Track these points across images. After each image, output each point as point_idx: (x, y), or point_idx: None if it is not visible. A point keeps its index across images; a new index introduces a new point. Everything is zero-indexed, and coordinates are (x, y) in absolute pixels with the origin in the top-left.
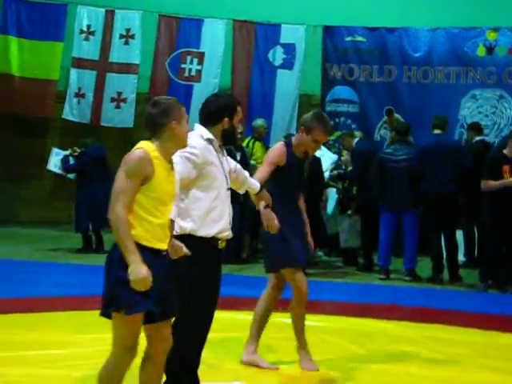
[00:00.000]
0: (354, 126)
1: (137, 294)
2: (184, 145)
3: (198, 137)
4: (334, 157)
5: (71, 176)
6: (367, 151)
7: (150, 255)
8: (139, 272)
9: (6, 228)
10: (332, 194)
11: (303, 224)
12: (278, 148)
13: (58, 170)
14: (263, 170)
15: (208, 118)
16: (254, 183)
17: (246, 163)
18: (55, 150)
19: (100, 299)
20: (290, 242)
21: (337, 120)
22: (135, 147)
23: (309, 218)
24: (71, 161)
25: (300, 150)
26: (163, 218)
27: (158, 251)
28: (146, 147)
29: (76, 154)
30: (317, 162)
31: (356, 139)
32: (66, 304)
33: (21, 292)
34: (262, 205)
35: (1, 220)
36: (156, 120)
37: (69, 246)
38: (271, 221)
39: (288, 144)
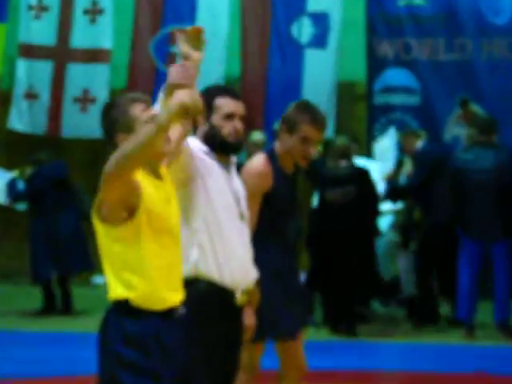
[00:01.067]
0: (414, 124)
1: (145, 376)
2: (155, 151)
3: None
4: (387, 166)
5: (21, 206)
6: (435, 157)
7: (158, 322)
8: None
9: None
10: (385, 221)
11: (296, 274)
12: (257, 167)
13: (1, 200)
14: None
15: None
16: None
17: None
18: None
19: (73, 382)
20: (278, 304)
21: (390, 116)
22: None
23: (358, 257)
24: (20, 185)
25: (288, 162)
26: (169, 255)
27: (168, 312)
28: None
29: (27, 176)
30: (364, 176)
31: (420, 141)
32: None
33: None
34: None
35: None
36: (105, 131)
37: (23, 307)
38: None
39: (271, 156)
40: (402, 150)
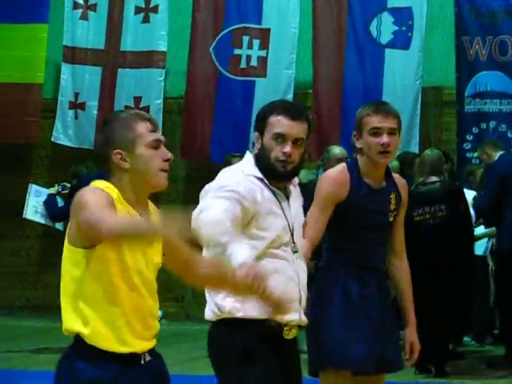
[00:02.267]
0: (511, 134)
1: None
2: (154, 182)
3: (237, 173)
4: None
5: (60, 225)
6: (502, 173)
7: (114, 367)
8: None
9: None
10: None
11: (375, 303)
12: (333, 173)
13: (39, 219)
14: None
15: None
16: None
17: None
18: (34, 188)
19: None
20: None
21: (483, 125)
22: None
23: (452, 286)
24: (60, 202)
25: (373, 174)
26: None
27: (130, 357)
28: (99, 184)
29: (66, 191)
30: (457, 194)
31: (500, 153)
32: None
33: None
34: None
35: None
36: (100, 144)
37: (60, 345)
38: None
39: (352, 166)
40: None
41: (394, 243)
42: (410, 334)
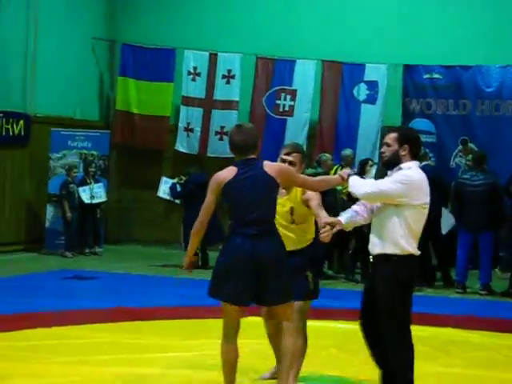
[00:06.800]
0: (431, 155)
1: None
2: None
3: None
4: None
5: (178, 201)
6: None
7: None
8: None
9: (122, 246)
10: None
11: None
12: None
13: (167, 197)
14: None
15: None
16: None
17: None
18: (164, 179)
19: (199, 309)
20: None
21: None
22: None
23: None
24: (178, 188)
25: None
26: None
27: None
28: None
29: (182, 181)
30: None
31: (424, 162)
32: (176, 313)
33: (139, 303)
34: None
35: (118, 240)
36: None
37: (177, 263)
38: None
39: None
40: None
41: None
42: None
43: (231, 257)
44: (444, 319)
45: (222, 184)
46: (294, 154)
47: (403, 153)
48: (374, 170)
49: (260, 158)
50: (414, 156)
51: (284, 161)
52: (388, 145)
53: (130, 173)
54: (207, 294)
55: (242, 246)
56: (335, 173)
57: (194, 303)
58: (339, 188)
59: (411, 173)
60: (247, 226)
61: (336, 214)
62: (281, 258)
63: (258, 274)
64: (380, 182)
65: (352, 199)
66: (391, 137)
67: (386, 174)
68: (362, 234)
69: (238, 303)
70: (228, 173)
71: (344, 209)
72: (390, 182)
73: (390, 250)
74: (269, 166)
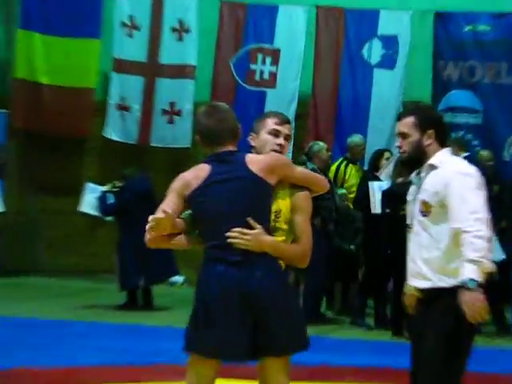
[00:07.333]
0: (475, 143)
1: None
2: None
3: None
4: None
5: (109, 218)
6: None
7: None
8: None
9: (26, 278)
10: None
11: None
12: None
13: (94, 212)
14: None
15: None
16: None
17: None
18: (90, 186)
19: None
20: None
21: (453, 134)
22: None
23: None
24: (110, 199)
25: None
26: None
27: None
28: None
29: (116, 189)
30: None
31: (464, 154)
32: (111, 375)
33: (52, 360)
34: None
35: (20, 269)
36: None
37: (108, 302)
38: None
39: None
40: None
41: None
42: None
43: (212, 291)
44: (500, 381)
45: (189, 188)
46: (288, 126)
47: (428, 142)
48: (391, 166)
49: (240, 151)
50: (442, 144)
51: (277, 134)
52: (404, 135)
53: (36, 172)
54: (183, 348)
55: (224, 274)
56: (337, 170)
57: (134, 360)
58: (341, 192)
59: (465, 167)
60: (227, 250)
61: (334, 223)
62: (283, 291)
63: (252, 314)
64: (464, 207)
65: (358, 207)
66: (406, 123)
67: (408, 174)
68: (373, 258)
69: (226, 358)
70: (197, 173)
71: (346, 217)
72: (470, 198)
73: (449, 281)
74: (255, 162)
